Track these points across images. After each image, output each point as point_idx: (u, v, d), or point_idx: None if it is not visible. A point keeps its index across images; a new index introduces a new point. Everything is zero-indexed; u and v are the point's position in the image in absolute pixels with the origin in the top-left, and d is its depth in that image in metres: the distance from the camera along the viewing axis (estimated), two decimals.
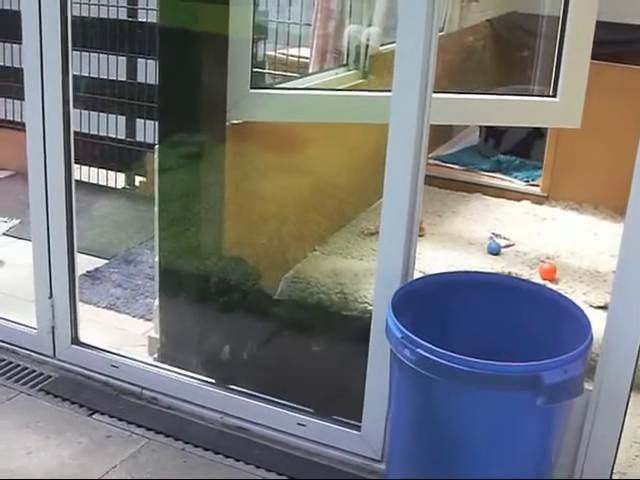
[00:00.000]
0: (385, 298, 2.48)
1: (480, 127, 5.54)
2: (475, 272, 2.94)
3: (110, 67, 5.43)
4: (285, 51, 5.03)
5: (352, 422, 2.86)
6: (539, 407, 2.17)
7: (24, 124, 3.29)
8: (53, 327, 3.36)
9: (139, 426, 3.05)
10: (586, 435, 2.52)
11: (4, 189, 5.63)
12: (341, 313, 3.39)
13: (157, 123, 3.57)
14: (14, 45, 5.67)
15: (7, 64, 5.87)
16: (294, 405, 2.99)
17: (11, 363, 3.41)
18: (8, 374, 3.34)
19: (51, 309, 3.34)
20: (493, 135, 5.43)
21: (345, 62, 4.42)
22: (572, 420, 2.43)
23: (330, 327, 3.29)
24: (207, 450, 2.93)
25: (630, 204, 2.32)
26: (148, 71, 5.20)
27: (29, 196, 3.29)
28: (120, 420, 3.08)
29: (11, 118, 5.94)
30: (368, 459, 2.83)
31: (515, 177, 5.03)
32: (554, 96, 3.63)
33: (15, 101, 5.85)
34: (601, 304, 3.40)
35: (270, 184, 3.65)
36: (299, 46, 4.91)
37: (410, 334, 2.24)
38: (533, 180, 4.98)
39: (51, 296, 3.33)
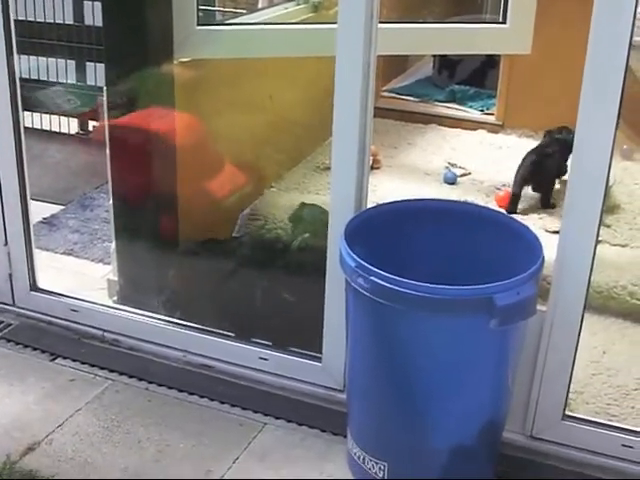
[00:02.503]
0: (339, 229, 2.49)
1: (434, 58, 5.53)
2: (428, 199, 2.94)
3: (56, 10, 5.32)
4: None
5: (313, 354, 2.90)
6: (493, 329, 2.20)
7: None
8: (10, 274, 3.35)
9: (102, 368, 3.06)
10: (542, 355, 2.57)
11: None
12: (299, 246, 3.40)
13: (104, 65, 3.52)
14: None
15: None
16: (256, 340, 3.02)
17: None
18: None
19: (7, 256, 3.33)
20: (447, 65, 5.43)
21: None
22: (528, 342, 2.47)
23: (288, 261, 3.30)
24: (171, 388, 2.96)
25: (577, 130, 2.34)
26: (95, 13, 5.10)
27: None
28: (83, 364, 3.09)
29: None
30: (330, 389, 2.87)
31: (470, 107, 5.05)
32: (504, 22, 3.63)
33: None
34: (556, 229, 3.42)
35: (223, 122, 3.62)
36: None
37: (363, 262, 2.26)
38: (488, 109, 5.00)
39: (6, 243, 3.31)
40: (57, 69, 5.36)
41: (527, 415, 2.65)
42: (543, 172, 3.90)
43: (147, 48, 3.33)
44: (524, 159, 3.92)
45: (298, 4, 4.32)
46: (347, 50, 2.50)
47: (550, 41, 4.09)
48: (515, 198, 3.84)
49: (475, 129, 4.84)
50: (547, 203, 3.89)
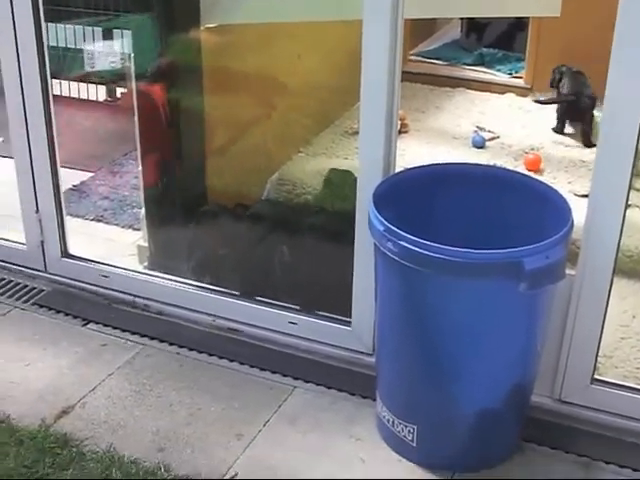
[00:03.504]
0: (367, 194, 2.49)
1: (462, 21, 5.48)
2: (456, 163, 2.94)
3: None
4: None
5: (342, 318, 2.91)
6: (522, 293, 2.20)
7: None
8: (42, 241, 3.38)
9: (133, 333, 3.10)
10: (571, 319, 2.57)
11: None
12: (327, 211, 3.41)
13: (131, 32, 3.52)
14: None
15: None
16: (285, 304, 3.04)
17: (3, 279, 3.45)
18: (1, 290, 3.38)
19: (39, 224, 3.36)
20: (475, 28, 5.38)
21: None
22: (556, 306, 2.47)
23: (317, 226, 3.31)
24: (201, 352, 2.99)
25: (607, 93, 2.32)
26: None
27: (8, 113, 3.27)
28: (114, 328, 3.13)
29: None
30: (359, 353, 2.89)
31: (498, 70, 5.00)
32: None
33: None
34: (585, 192, 3.39)
35: (251, 88, 3.62)
36: None
37: (392, 226, 2.26)
38: (516, 72, 4.95)
39: (38, 211, 3.34)
40: (84, 36, 5.37)
41: (556, 379, 2.66)
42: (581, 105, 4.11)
43: (174, 15, 3.33)
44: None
45: None
46: (374, 13, 2.49)
47: (579, 2, 4.04)
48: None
49: (503, 92, 4.80)
50: (589, 140, 4.04)
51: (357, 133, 2.69)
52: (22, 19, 3.06)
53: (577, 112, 4.14)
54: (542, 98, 4.37)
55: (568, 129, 4.23)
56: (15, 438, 2.59)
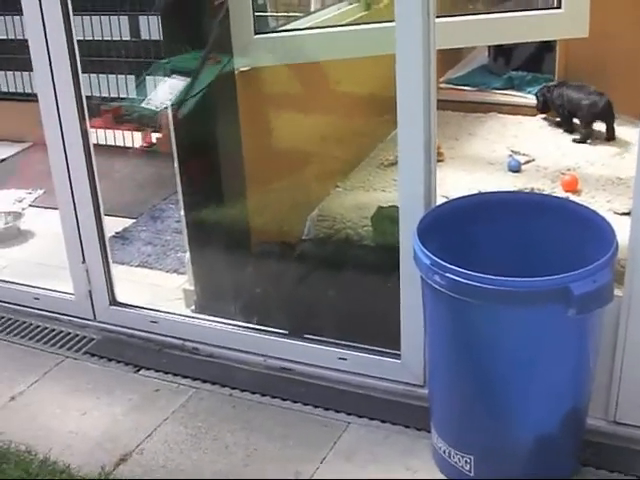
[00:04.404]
0: (410, 226, 2.52)
1: (489, 46, 5.50)
2: (497, 192, 2.96)
3: (113, 27, 5.41)
4: None
5: (391, 351, 2.92)
6: (571, 318, 2.21)
7: (31, 95, 3.32)
8: (90, 291, 3.44)
9: (185, 377, 3.13)
10: (621, 340, 2.56)
11: (25, 161, 5.68)
12: (370, 246, 3.43)
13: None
14: (15, 17, 5.68)
15: (10, 36, 5.87)
16: (334, 340, 3.06)
17: (54, 330, 3.50)
18: (52, 340, 3.43)
19: (86, 273, 3.41)
20: (502, 53, 5.40)
21: None
22: (606, 326, 2.47)
23: (360, 261, 3.33)
24: (254, 393, 3.01)
25: None
26: (151, 27, 5.19)
27: (50, 165, 3.33)
28: (166, 373, 3.16)
29: (21, 90, 5.95)
30: (410, 385, 2.90)
31: (529, 92, 5.01)
32: (559, 7, 3.61)
33: (23, 73, 5.86)
34: (625, 210, 3.40)
35: (285, 127, 3.67)
36: None
37: (438, 260, 2.28)
38: None
39: (84, 261, 3.39)
40: (117, 85, 5.47)
41: (609, 400, 2.65)
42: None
43: (207, 59, 3.38)
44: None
45: (350, 3, 4.34)
46: (406, 45, 2.52)
47: (607, 22, 4.05)
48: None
49: (535, 115, 4.80)
50: (613, 134, 4.29)
51: (393, 164, 2.72)
52: (60, 69, 3.13)
53: (598, 113, 4.29)
54: (578, 137, 4.42)
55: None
56: None
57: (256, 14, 3.52)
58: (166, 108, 3.45)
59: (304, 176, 3.78)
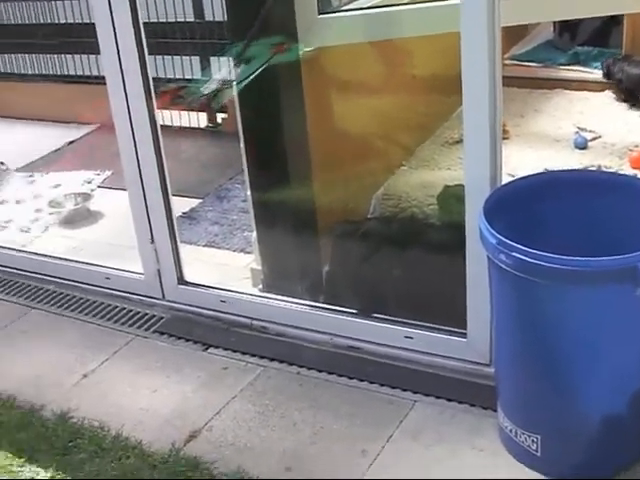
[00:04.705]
0: (476, 206, 2.51)
1: (554, 21, 5.42)
2: (563, 170, 2.93)
3: (177, 9, 5.46)
4: None
5: (457, 330, 2.93)
6: (638, 297, 2.19)
7: (101, 77, 3.37)
8: (159, 270, 3.49)
9: (253, 355, 3.17)
10: None
11: (92, 143, 5.78)
12: (435, 224, 3.43)
13: (232, 60, 3.60)
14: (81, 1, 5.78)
15: (77, 20, 5.97)
16: (400, 319, 3.07)
17: (124, 309, 3.57)
18: (122, 319, 3.50)
19: (154, 253, 3.47)
20: (568, 28, 5.32)
21: None
22: None
23: (426, 239, 3.33)
24: (321, 371, 3.04)
25: None
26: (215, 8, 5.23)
27: (119, 146, 3.38)
28: (234, 352, 3.21)
29: (88, 73, 6.05)
30: (477, 364, 2.90)
31: (595, 67, 4.93)
32: None
33: (90, 56, 5.96)
34: None
35: (349, 106, 3.67)
36: None
37: (504, 239, 2.28)
38: None
39: (153, 240, 3.45)
40: (182, 66, 5.52)
41: None
42: None
43: (272, 38, 3.40)
44: None
45: None
46: (471, 23, 2.50)
47: None
48: None
49: (602, 90, 4.73)
50: None
51: (458, 142, 2.71)
52: (126, 52, 3.17)
53: None
54: None
55: None
56: (148, 463, 2.69)
57: None
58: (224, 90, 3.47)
59: (369, 155, 3.78)
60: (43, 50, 6.41)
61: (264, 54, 3.34)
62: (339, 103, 3.64)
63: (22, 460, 2.78)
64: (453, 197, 3.34)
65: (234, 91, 3.46)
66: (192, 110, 5.49)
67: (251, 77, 3.35)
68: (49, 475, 2.70)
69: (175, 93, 5.34)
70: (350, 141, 3.68)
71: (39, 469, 2.73)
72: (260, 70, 3.37)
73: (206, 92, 4.96)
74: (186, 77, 5.51)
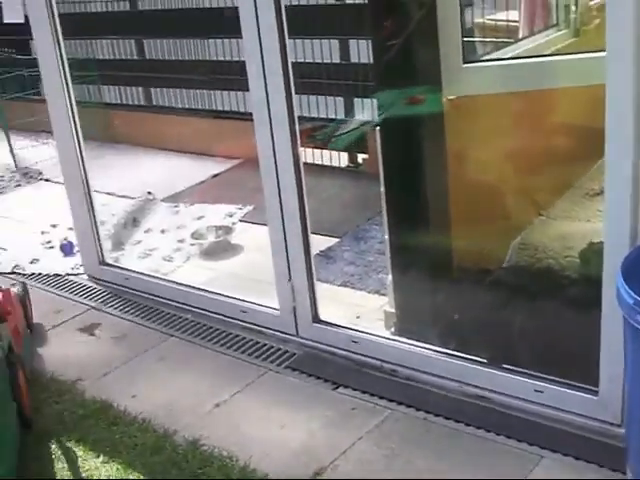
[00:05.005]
0: (614, 262, 2.48)
1: None
2: None
3: (324, 51, 5.58)
4: (493, 16, 4.99)
5: (589, 387, 2.88)
6: None
7: (247, 114, 3.47)
8: (294, 307, 3.56)
9: (381, 398, 3.19)
10: None
11: (235, 177, 5.94)
12: (572, 277, 3.38)
13: (376, 101, 3.66)
14: (232, 40, 5.97)
15: (228, 58, 6.17)
16: (530, 372, 3.04)
17: (258, 343, 3.66)
18: (256, 353, 3.59)
19: (291, 290, 3.54)
20: None
21: (555, 22, 4.34)
22: None
23: (562, 292, 3.29)
24: (448, 419, 3.03)
25: None
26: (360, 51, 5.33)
27: (262, 182, 3.47)
28: (363, 393, 3.23)
29: (235, 109, 6.24)
30: (607, 424, 2.84)
31: None
32: None
33: (237, 93, 6.15)
34: None
35: (490, 153, 3.68)
36: (506, 9, 4.88)
37: None
38: None
39: (290, 278, 3.52)
40: (327, 105, 5.63)
41: None
42: None
43: (417, 84, 3.45)
44: None
45: (559, 30, 4.29)
46: (618, 77, 2.48)
47: None
48: None
49: None
50: None
51: (598, 195, 2.66)
52: (275, 92, 3.26)
53: None
54: None
55: None
56: None
57: (464, 39, 3.55)
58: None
59: (508, 204, 3.77)
60: (194, 86, 6.65)
61: (401, 102, 3.39)
62: (480, 150, 3.65)
63: None
64: (596, 254, 3.29)
65: (377, 134, 3.50)
66: (324, 149, 5.58)
67: (384, 123, 3.40)
68: None
69: (309, 132, 5.46)
70: (490, 189, 3.68)
71: None
72: (397, 117, 3.42)
73: (341, 132, 5.05)
74: (322, 116, 5.62)
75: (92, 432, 3.17)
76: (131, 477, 2.90)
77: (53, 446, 3.12)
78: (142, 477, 2.91)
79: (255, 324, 3.74)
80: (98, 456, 3.04)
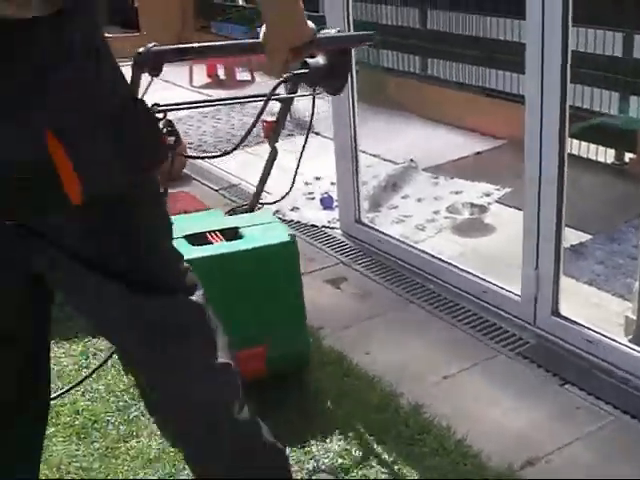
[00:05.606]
0: None
1: None
2: None
3: (606, 42, 5.45)
4: None
5: None
6: None
7: (515, 95, 3.46)
8: (536, 297, 3.57)
9: (607, 403, 3.15)
10: None
11: (497, 158, 5.95)
12: None
13: None
14: (514, 21, 5.96)
15: (508, 38, 6.17)
16: None
17: (494, 324, 3.71)
18: (491, 334, 3.65)
19: (535, 280, 3.55)
20: None
21: None
22: None
23: None
24: None
25: None
26: None
27: (524, 167, 3.47)
28: (589, 394, 3.21)
29: (507, 90, 6.23)
30: None
31: None
32: None
33: (506, 73, 6.15)
34: None
35: None
36: None
37: None
38: None
39: (537, 267, 3.53)
40: (601, 100, 5.52)
41: None
42: None
43: None
44: None
45: None
46: None
47: None
48: None
49: None
50: None
51: None
52: (550, 78, 3.23)
53: None
54: None
55: None
56: (481, 475, 2.80)
57: None
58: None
59: None
60: (469, 61, 6.70)
61: None
62: None
63: (372, 438, 3.01)
64: None
65: None
66: (601, 144, 5.48)
67: None
68: (390, 459, 2.90)
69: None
70: None
71: (384, 453, 2.94)
72: None
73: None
74: (602, 111, 5.51)
75: (327, 379, 3.35)
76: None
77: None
78: (362, 430, 3.05)
79: (494, 305, 3.80)
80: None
